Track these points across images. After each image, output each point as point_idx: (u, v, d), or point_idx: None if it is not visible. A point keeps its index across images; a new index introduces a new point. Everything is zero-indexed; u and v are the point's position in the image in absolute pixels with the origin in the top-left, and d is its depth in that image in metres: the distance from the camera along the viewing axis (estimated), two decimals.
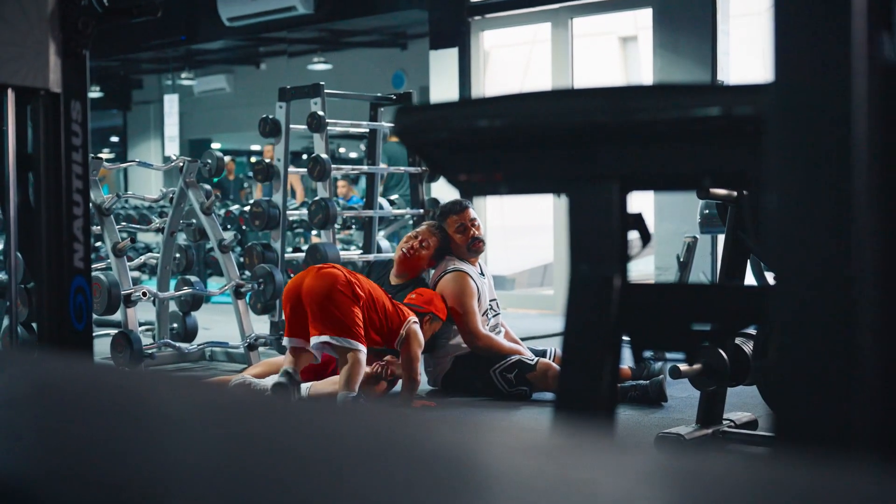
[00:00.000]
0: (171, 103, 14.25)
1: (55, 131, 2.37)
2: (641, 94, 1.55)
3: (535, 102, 1.62)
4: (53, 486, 0.64)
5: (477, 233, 5.53)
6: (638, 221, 1.63)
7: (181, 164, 6.34)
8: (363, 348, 4.59)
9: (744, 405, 4.47)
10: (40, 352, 2.43)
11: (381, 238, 7.60)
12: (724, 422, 3.98)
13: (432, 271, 5.63)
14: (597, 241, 1.59)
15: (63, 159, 2.37)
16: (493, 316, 5.52)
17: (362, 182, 16.08)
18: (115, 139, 21.61)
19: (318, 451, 0.73)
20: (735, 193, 3.71)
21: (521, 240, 11.75)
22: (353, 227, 9.52)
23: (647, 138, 1.56)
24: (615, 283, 1.58)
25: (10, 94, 2.40)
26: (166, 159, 13.39)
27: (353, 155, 21.88)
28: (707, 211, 5.51)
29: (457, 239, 5.52)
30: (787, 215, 1.10)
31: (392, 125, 1.63)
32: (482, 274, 5.60)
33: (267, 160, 6.83)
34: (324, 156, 6.53)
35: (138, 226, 7.63)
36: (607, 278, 1.58)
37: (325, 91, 6.68)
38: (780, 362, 1.11)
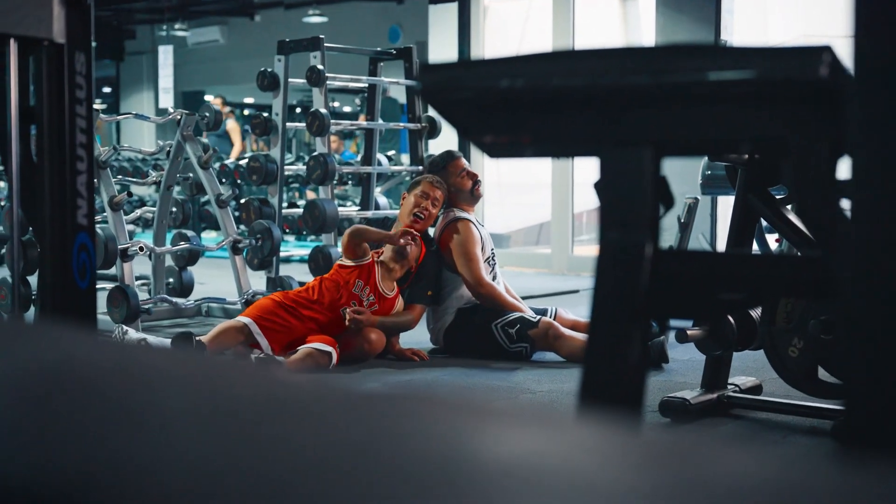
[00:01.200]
0: (165, 54, 14.10)
1: (59, 83, 2.30)
2: (678, 54, 1.48)
3: (567, 62, 1.56)
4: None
5: (476, 177, 5.54)
6: (662, 185, 1.58)
7: (178, 116, 6.24)
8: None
9: (746, 369, 4.45)
10: (36, 323, 2.37)
11: (378, 194, 7.53)
12: (729, 386, 3.94)
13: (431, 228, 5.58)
14: (628, 208, 1.54)
15: (67, 112, 2.30)
16: (493, 265, 5.49)
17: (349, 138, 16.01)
18: (107, 90, 21.43)
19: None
20: (746, 155, 3.65)
21: (518, 197, 11.69)
22: (350, 182, 9.44)
23: (683, 101, 1.50)
24: (646, 251, 1.52)
25: (13, 45, 2.32)
26: (161, 111, 13.26)
27: (346, 109, 21.77)
28: (710, 172, 5.45)
29: (459, 184, 5.48)
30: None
31: (417, 82, 1.56)
32: (482, 223, 5.58)
33: (265, 114, 6.73)
34: (323, 110, 6.44)
35: (133, 179, 7.53)
36: (638, 246, 1.52)
37: (325, 45, 6.58)
38: (852, 352, 1.05)
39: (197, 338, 4.64)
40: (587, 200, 11.80)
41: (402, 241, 5.07)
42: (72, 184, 2.29)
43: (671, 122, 1.51)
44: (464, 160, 5.58)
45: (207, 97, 20.94)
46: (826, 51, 1.39)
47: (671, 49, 1.49)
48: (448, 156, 5.60)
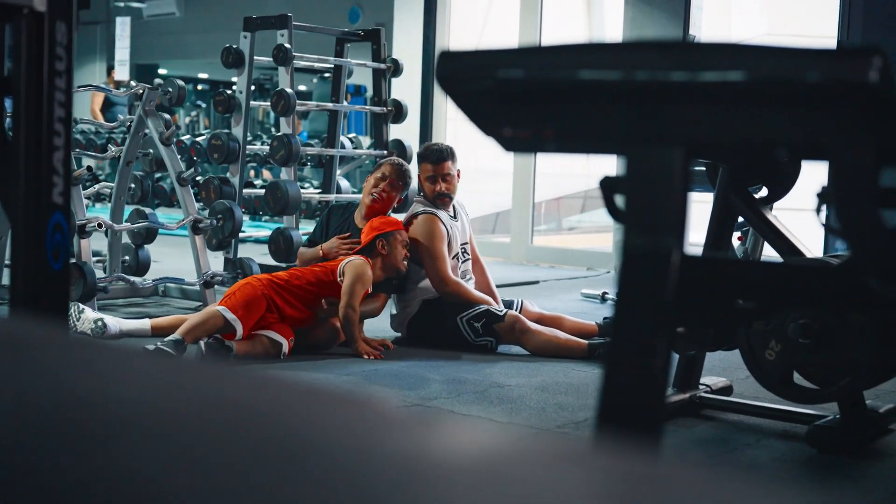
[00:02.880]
0: (122, 26, 13.80)
1: (38, 54, 2.18)
2: (719, 51, 1.40)
3: (598, 54, 1.48)
4: None
5: (444, 188, 5.34)
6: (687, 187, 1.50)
7: (140, 90, 6.08)
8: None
9: (712, 368, 4.41)
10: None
11: (339, 177, 7.42)
12: (700, 386, 3.90)
13: (399, 215, 5.48)
14: (655, 211, 1.46)
15: (45, 85, 2.18)
16: (464, 261, 5.39)
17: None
18: None
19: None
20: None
21: (475, 185, 11.60)
22: (309, 164, 9.30)
23: (721, 101, 1.42)
24: (674, 257, 1.45)
25: None
26: (119, 85, 12.98)
27: (301, 88, 21.55)
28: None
29: (425, 188, 5.38)
30: None
31: (437, 71, 1.47)
32: (454, 217, 5.45)
33: (228, 92, 6.58)
34: (289, 90, 6.32)
35: (88, 152, 7.34)
36: (665, 252, 1.45)
37: (293, 23, 6.45)
38: None
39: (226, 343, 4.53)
40: (547, 191, 11.78)
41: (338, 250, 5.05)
42: (48, 160, 2.18)
43: (707, 121, 1.43)
44: (448, 164, 5.37)
45: (161, 71, 20.66)
46: (877, 54, 1.32)
47: (711, 46, 1.42)
48: (426, 155, 5.41)
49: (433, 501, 0.48)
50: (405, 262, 5.09)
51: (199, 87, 22.91)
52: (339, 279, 4.86)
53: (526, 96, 1.49)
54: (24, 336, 0.82)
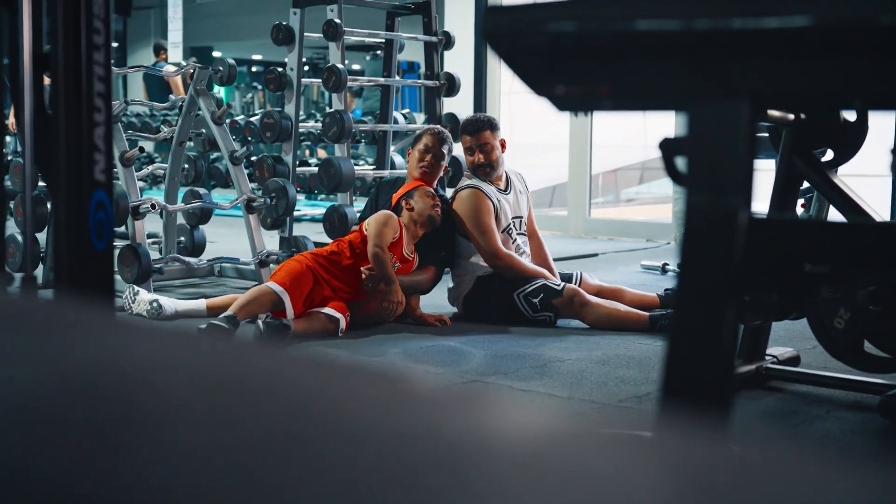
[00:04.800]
0: (175, 8, 13.82)
1: (75, 28, 2.12)
2: None
3: (653, 3, 1.38)
4: None
5: (482, 159, 5.24)
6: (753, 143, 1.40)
7: (191, 70, 6.05)
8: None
9: (778, 338, 4.29)
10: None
11: (393, 153, 7.35)
12: (767, 357, 3.78)
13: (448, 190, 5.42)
14: (720, 169, 1.36)
15: (84, 59, 2.12)
16: (517, 234, 5.29)
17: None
18: (114, 44, 21.17)
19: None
20: (791, 116, 3.46)
21: (531, 158, 11.49)
22: (363, 140, 9.25)
23: (784, 49, 1.32)
24: (741, 217, 1.35)
25: None
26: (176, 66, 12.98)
27: (356, 66, 21.51)
28: None
29: (466, 160, 5.30)
30: None
31: (483, 27, 1.38)
32: (505, 190, 5.34)
33: (279, 69, 6.53)
34: (340, 66, 6.25)
35: (143, 134, 7.34)
36: (731, 212, 1.35)
37: None
38: None
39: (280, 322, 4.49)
40: (604, 163, 11.63)
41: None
42: (88, 137, 2.12)
43: (773, 73, 1.33)
44: (486, 133, 5.28)
45: (216, 53, 20.71)
46: None
47: None
48: (463, 126, 5.34)
49: (473, 480, 0.41)
50: (437, 210, 5.00)
51: (254, 68, 22.95)
52: (364, 230, 4.83)
53: (578, 51, 1.40)
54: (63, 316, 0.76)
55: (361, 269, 4.80)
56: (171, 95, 8.30)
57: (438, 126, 5.62)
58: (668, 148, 1.55)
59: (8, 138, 9.74)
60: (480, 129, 5.25)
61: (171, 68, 6.82)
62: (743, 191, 1.36)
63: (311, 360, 0.57)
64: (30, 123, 2.16)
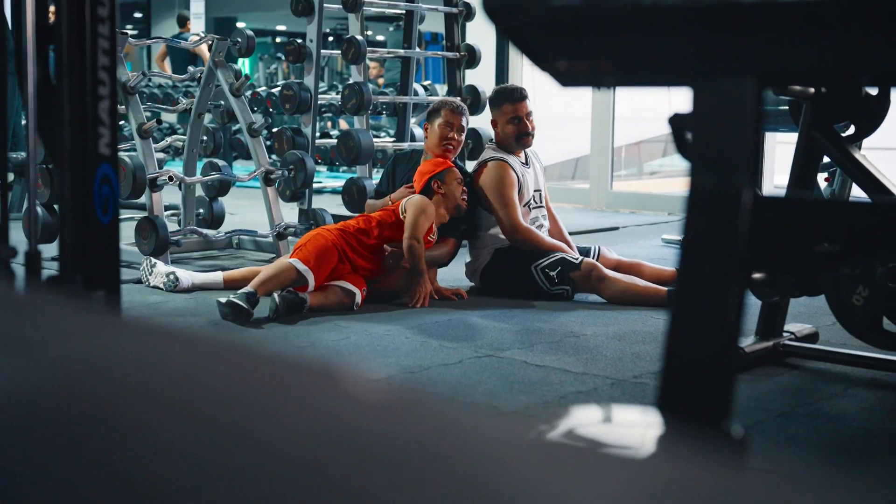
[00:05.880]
0: None
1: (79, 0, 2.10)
2: None
3: None
4: None
5: (528, 127, 5.22)
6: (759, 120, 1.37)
7: (210, 41, 6.02)
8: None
9: (797, 315, 4.24)
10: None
11: (413, 125, 7.31)
12: (784, 334, 3.74)
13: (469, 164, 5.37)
14: (725, 147, 1.33)
15: (88, 32, 2.09)
16: (535, 208, 5.25)
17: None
18: (138, 15, 21.16)
19: None
20: (812, 90, 3.40)
21: (552, 131, 11.42)
22: (384, 112, 9.21)
23: (790, 22, 1.28)
24: (745, 196, 1.32)
25: None
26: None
27: (380, 38, 21.43)
28: (770, 107, 5.18)
29: (507, 129, 5.22)
30: None
31: (484, 2, 1.35)
32: (526, 163, 5.30)
33: (299, 41, 6.49)
34: (359, 37, 6.21)
35: (163, 106, 7.33)
36: (736, 190, 1.32)
37: None
38: None
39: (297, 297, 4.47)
40: (627, 135, 11.54)
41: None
42: (93, 110, 2.10)
43: (779, 47, 1.30)
44: (527, 103, 5.26)
45: (239, 24, 20.67)
46: None
47: None
48: (508, 95, 5.29)
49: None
50: (464, 198, 4.98)
51: (278, 39, 22.89)
52: (401, 216, 4.79)
53: (581, 26, 1.37)
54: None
55: (385, 246, 4.79)
56: (189, 67, 8.28)
57: (452, 99, 5.56)
58: (678, 123, 1.52)
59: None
60: (524, 97, 5.26)
61: (195, 38, 6.80)
62: (747, 168, 1.33)
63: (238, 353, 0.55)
64: (33, 95, 2.14)
